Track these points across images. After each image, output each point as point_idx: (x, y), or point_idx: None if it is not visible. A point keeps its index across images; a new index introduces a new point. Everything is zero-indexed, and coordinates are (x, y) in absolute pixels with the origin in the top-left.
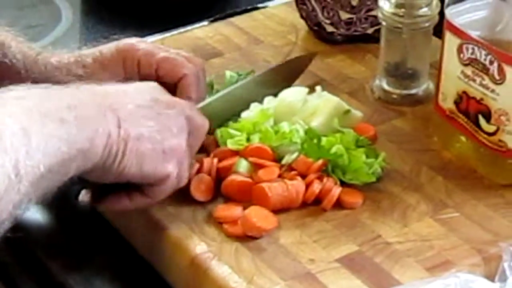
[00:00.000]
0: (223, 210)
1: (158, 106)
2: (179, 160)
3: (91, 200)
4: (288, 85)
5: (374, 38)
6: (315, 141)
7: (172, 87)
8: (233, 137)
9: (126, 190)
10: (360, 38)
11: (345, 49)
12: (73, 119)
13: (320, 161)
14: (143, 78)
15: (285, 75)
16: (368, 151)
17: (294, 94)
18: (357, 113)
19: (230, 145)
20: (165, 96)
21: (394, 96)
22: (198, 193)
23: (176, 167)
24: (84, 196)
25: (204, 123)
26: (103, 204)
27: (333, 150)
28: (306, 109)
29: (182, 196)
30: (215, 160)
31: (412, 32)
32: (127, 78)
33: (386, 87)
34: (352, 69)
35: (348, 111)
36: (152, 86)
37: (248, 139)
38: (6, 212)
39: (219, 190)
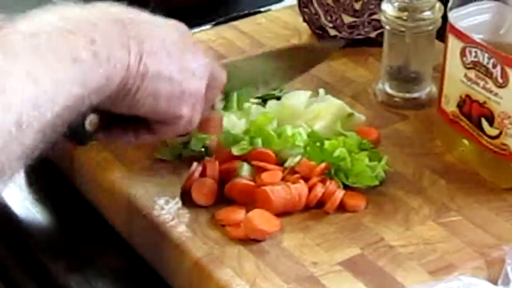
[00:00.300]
0: (226, 213)
1: (184, 45)
2: (195, 104)
3: (96, 128)
4: (304, 70)
5: (376, 42)
6: (318, 144)
7: None
8: (237, 140)
9: (133, 124)
10: (363, 42)
11: (348, 52)
12: (90, 57)
13: (323, 164)
14: None
15: (304, 57)
16: (371, 154)
17: (297, 98)
18: (360, 117)
19: (236, 151)
20: (191, 38)
21: (397, 99)
22: (200, 197)
23: (191, 111)
24: (90, 124)
25: (222, 76)
26: (107, 134)
27: (336, 153)
28: (309, 112)
29: (185, 198)
30: (217, 163)
31: (415, 35)
32: None
33: (389, 90)
34: (355, 73)
35: (351, 115)
36: (180, 25)
37: (251, 143)
38: (8, 163)
39: (222, 193)
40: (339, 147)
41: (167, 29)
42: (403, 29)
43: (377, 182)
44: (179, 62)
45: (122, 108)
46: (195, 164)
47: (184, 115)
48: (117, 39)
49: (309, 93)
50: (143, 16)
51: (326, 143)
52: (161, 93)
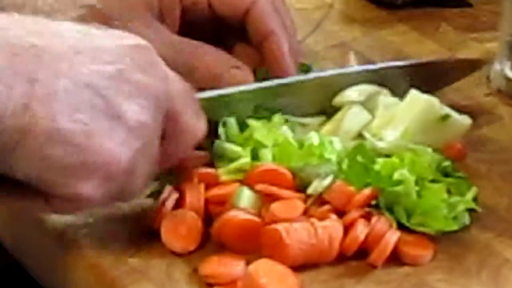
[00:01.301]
0: (215, 265)
1: (115, 86)
2: (111, 176)
3: None
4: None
5: (453, 0)
6: (359, 159)
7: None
8: (232, 158)
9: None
10: (432, 0)
11: (408, 16)
12: None
13: (368, 190)
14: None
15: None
16: (454, 183)
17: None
18: (464, 120)
19: (225, 175)
20: (146, 67)
21: None
22: (174, 240)
23: (98, 188)
24: None
25: (197, 126)
26: None
27: (396, 176)
28: (378, 115)
29: (152, 241)
30: (201, 186)
31: None
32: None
33: (511, 74)
34: (419, 47)
35: (446, 117)
36: (132, 47)
37: (253, 157)
38: None
39: (209, 234)
40: (401, 168)
41: (95, 60)
42: None
43: (455, 227)
44: (94, 116)
45: None
46: (167, 189)
47: (83, 195)
48: (4, 72)
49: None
50: (64, 44)
51: (379, 161)
52: (49, 161)
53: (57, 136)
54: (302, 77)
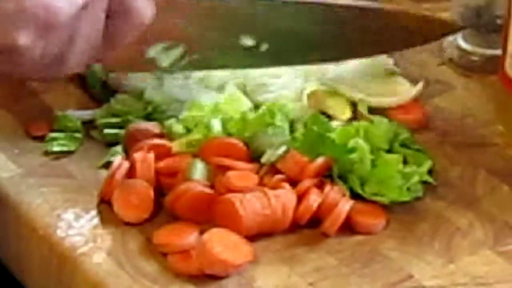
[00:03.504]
0: (168, 234)
1: None
2: (48, 28)
3: None
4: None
5: None
6: (315, 128)
7: None
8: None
9: None
10: None
11: None
12: None
13: (321, 159)
14: None
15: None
16: (410, 154)
17: None
18: (416, 88)
19: (177, 146)
20: None
21: (474, 57)
22: (126, 209)
23: (38, 39)
24: None
25: (144, 9)
26: None
27: (350, 144)
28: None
29: (106, 211)
30: (152, 156)
31: None
32: None
33: (463, 44)
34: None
35: (391, 74)
36: None
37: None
38: None
39: (160, 204)
40: (355, 136)
41: None
42: None
43: (407, 197)
44: None
45: None
46: (117, 158)
47: (20, 45)
48: None
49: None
50: None
51: (335, 130)
52: None
53: None
54: None
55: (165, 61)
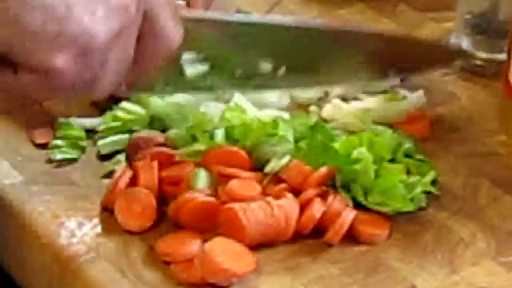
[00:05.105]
0: (171, 243)
1: None
2: (87, 58)
3: None
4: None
5: None
6: (319, 137)
7: None
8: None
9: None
10: None
11: None
12: None
13: (324, 169)
14: None
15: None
16: (414, 164)
17: None
18: (414, 98)
19: (181, 156)
20: None
21: (479, 62)
22: (128, 218)
23: (73, 65)
24: None
25: (173, 34)
26: None
27: (354, 154)
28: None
29: (109, 220)
30: (155, 164)
31: None
32: None
33: (467, 48)
34: (377, 26)
35: (395, 96)
36: None
37: (210, 137)
38: None
39: (163, 213)
40: (359, 146)
41: None
42: None
43: (411, 207)
44: None
45: None
46: (120, 167)
47: (57, 68)
48: None
49: None
50: None
51: (340, 140)
52: (27, 25)
53: (35, 2)
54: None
55: (191, 72)
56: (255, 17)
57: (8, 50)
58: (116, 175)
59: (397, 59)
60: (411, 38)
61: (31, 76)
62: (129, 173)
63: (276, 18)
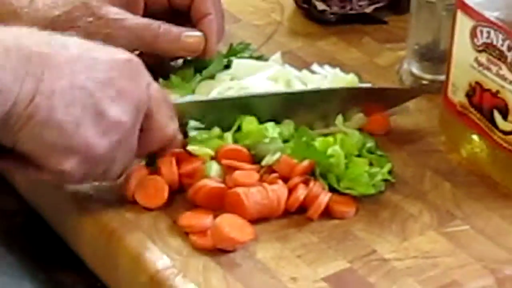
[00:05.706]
0: (190, 218)
1: (104, 90)
2: (90, 163)
3: None
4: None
5: (373, 19)
6: (304, 139)
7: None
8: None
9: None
10: (357, 18)
11: (339, 30)
12: None
13: (306, 162)
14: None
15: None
16: (375, 159)
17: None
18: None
19: (193, 149)
20: (133, 76)
21: (424, 82)
22: (145, 198)
23: (78, 168)
24: None
25: (168, 127)
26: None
27: (329, 151)
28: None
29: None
30: (174, 161)
31: (448, 8)
32: None
33: (416, 71)
34: (347, 55)
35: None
36: (123, 61)
37: (219, 138)
38: None
39: (184, 197)
40: (333, 145)
41: (90, 68)
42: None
43: (372, 191)
44: (85, 111)
45: (3, 140)
46: (135, 164)
47: (66, 171)
48: (13, 71)
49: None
50: (68, 53)
51: (318, 140)
52: (44, 141)
53: (52, 123)
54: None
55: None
56: (231, 92)
57: (32, 156)
58: (132, 169)
59: (361, 106)
60: (373, 88)
61: (50, 175)
62: (143, 169)
63: (249, 91)
